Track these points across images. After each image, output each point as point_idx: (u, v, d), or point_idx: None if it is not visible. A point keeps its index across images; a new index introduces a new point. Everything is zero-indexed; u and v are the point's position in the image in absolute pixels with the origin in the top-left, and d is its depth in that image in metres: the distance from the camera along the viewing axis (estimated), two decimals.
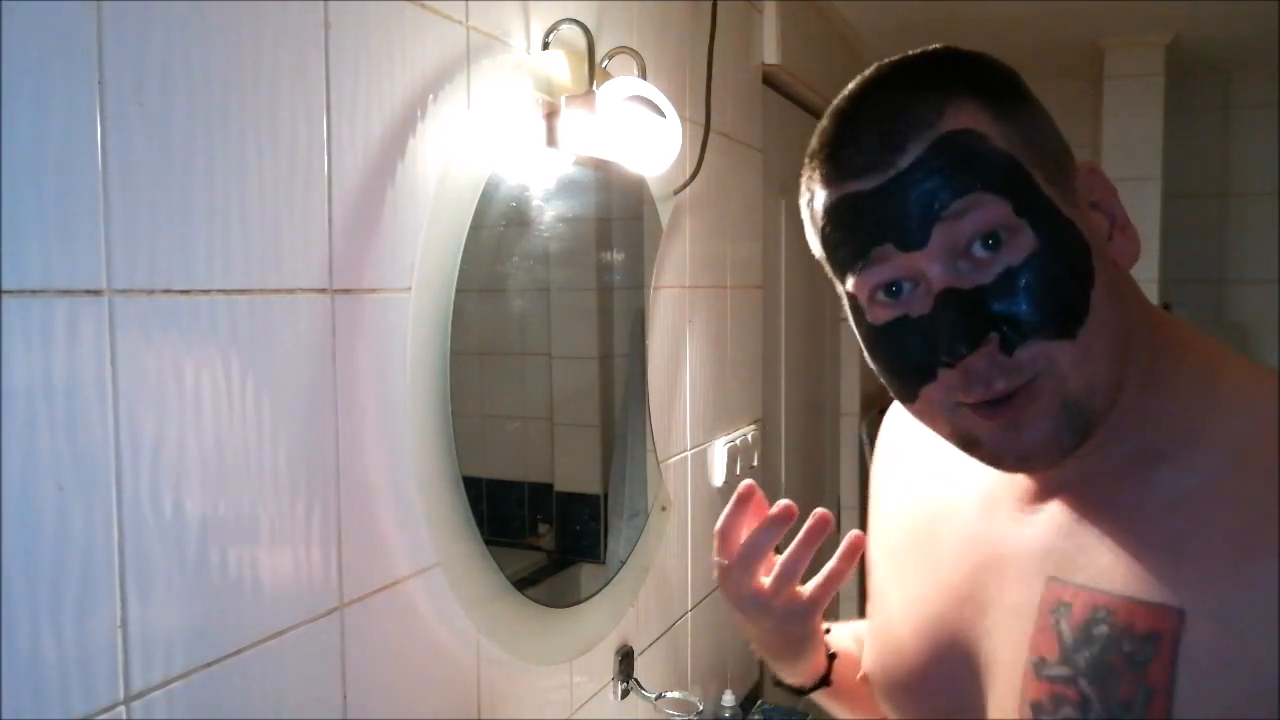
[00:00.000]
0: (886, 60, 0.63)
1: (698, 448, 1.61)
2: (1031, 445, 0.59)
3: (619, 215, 1.32)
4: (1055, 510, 0.63)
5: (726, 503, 0.77)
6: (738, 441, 1.74)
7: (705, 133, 1.46)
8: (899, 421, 0.82)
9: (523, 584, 1.07)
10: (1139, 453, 0.61)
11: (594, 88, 1.06)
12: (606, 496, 1.28)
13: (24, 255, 0.58)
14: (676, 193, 1.41)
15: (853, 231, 0.61)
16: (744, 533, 0.76)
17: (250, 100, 0.73)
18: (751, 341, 1.89)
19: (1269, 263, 2.98)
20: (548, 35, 1.10)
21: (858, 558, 0.77)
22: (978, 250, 0.58)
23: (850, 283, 0.62)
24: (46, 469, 0.59)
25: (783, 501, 0.75)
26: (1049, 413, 0.58)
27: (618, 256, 1.33)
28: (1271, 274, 2.98)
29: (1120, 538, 0.59)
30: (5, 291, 0.57)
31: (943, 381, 0.60)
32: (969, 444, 0.62)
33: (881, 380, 0.65)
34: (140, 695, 0.65)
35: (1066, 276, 0.58)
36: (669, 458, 1.48)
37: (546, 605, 1.11)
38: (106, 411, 0.63)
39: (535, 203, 1.10)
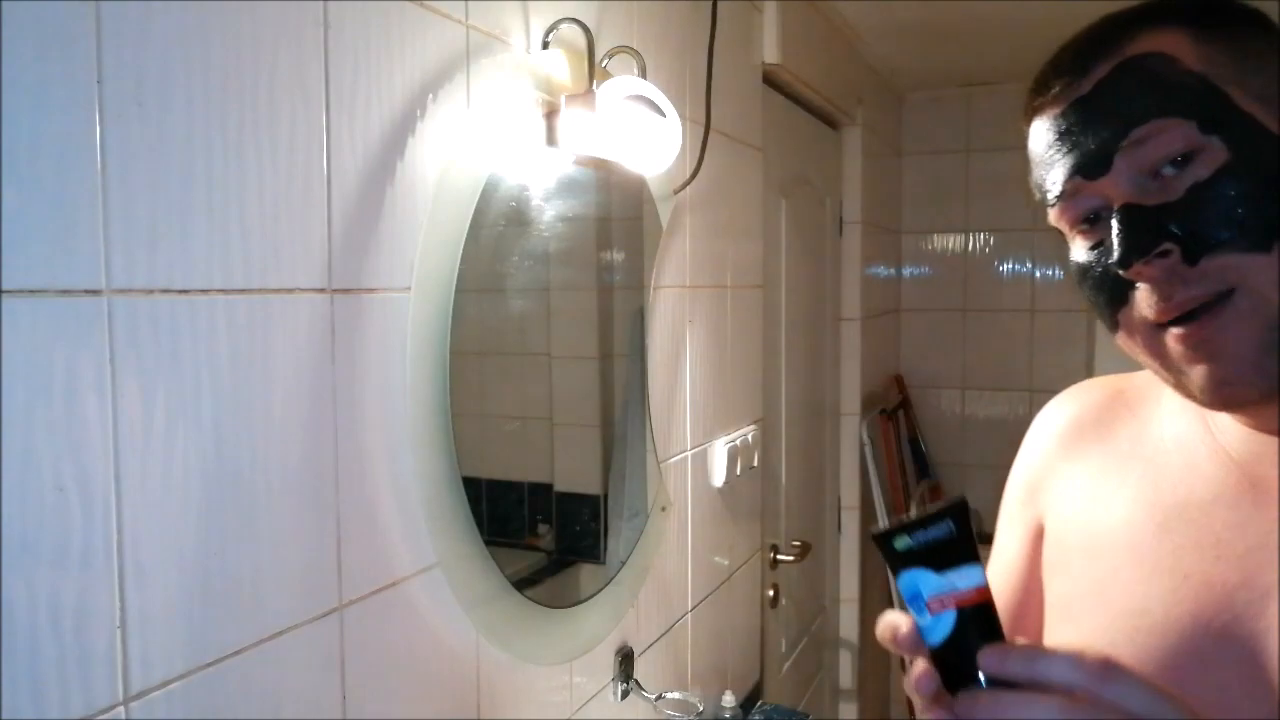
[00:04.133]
0: None
1: (698, 448, 1.61)
2: (1229, 372, 0.56)
3: (619, 215, 1.32)
4: None
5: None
6: (738, 442, 1.73)
7: (705, 132, 1.45)
8: (1081, 407, 0.77)
9: (522, 584, 1.07)
10: None
11: (594, 87, 1.06)
12: (606, 497, 1.27)
13: (23, 255, 0.58)
14: (676, 192, 1.41)
15: (1047, 166, 0.62)
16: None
17: (249, 100, 0.73)
18: (751, 341, 1.88)
19: None
20: (547, 34, 1.10)
21: None
22: (1166, 170, 0.58)
23: (1051, 217, 0.63)
24: (46, 470, 0.59)
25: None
26: (1247, 335, 0.56)
27: (618, 256, 1.32)
28: None
29: None
30: (4, 291, 0.57)
31: (1134, 303, 0.59)
32: (1174, 375, 0.60)
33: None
34: (139, 696, 0.65)
35: (1260, 188, 0.56)
36: (669, 458, 1.48)
37: (546, 606, 1.11)
38: (105, 412, 0.63)
39: (535, 202, 1.10)
